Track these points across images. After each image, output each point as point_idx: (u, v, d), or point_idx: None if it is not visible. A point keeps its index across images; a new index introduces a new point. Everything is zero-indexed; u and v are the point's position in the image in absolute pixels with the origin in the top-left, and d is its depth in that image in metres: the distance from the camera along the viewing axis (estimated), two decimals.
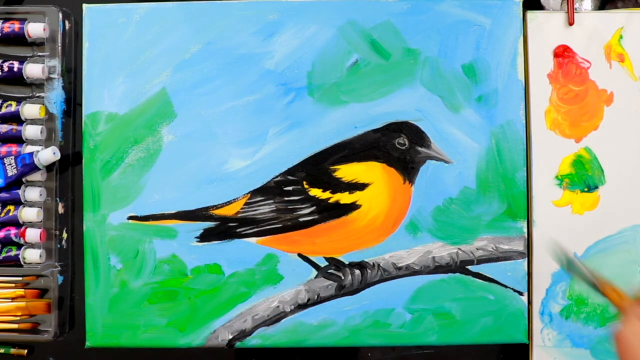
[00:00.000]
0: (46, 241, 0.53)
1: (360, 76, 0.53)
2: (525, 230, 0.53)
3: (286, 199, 0.53)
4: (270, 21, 0.53)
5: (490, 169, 0.53)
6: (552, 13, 0.54)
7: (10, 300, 0.53)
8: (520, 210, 0.53)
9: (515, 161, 0.53)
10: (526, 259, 0.53)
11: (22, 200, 0.53)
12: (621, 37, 0.54)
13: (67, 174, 0.55)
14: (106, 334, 0.53)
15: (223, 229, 0.53)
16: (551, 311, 0.53)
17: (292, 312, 0.53)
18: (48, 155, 0.52)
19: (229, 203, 0.53)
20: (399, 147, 0.53)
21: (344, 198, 0.52)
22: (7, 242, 0.53)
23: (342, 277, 0.53)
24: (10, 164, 0.52)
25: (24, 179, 0.53)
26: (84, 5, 0.54)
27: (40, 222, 0.54)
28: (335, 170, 0.53)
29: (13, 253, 0.53)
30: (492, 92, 0.53)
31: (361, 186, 0.53)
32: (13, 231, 0.53)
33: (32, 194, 0.53)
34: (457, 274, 0.53)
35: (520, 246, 0.53)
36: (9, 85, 0.54)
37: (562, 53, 0.54)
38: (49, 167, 0.54)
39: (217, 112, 0.53)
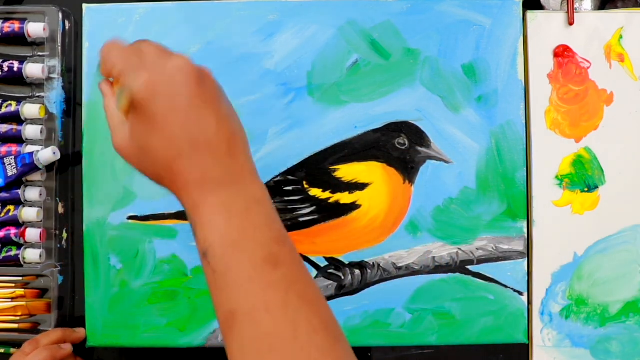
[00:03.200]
0: (46, 241, 0.54)
1: (360, 76, 0.53)
2: (525, 230, 0.53)
3: (286, 199, 0.53)
4: (270, 21, 0.53)
5: (490, 169, 0.53)
6: (552, 13, 0.54)
7: (10, 300, 0.53)
8: (520, 210, 0.53)
9: (515, 161, 0.53)
10: (526, 259, 0.53)
11: (22, 200, 0.53)
12: (621, 37, 0.54)
13: (67, 174, 0.55)
14: (106, 334, 0.53)
15: None
16: (551, 311, 0.53)
17: None
18: (48, 155, 0.52)
19: None
20: (399, 147, 0.53)
21: (344, 198, 0.52)
22: (7, 242, 0.53)
23: (342, 277, 0.53)
24: (10, 164, 0.52)
25: (24, 179, 0.53)
26: (84, 5, 0.54)
27: (40, 222, 0.54)
28: (335, 170, 0.53)
29: (13, 253, 0.53)
30: (492, 92, 0.53)
31: (361, 186, 0.53)
32: (13, 231, 0.53)
33: (32, 194, 0.53)
34: (457, 274, 0.53)
35: (520, 246, 0.53)
36: (9, 85, 0.54)
37: (562, 53, 0.54)
38: (49, 167, 0.54)
39: None
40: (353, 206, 0.52)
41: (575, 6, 0.54)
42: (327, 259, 0.53)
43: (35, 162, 0.52)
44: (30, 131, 0.53)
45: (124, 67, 0.35)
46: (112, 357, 0.56)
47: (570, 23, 0.54)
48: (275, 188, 0.53)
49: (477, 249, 0.53)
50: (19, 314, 0.52)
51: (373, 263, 0.53)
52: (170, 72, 0.34)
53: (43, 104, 0.54)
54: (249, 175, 0.35)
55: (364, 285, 0.53)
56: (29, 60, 0.54)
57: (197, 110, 0.34)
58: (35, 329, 0.53)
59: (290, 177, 0.53)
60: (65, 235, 0.55)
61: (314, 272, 0.53)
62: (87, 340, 0.53)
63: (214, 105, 0.35)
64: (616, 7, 0.56)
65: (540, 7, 0.55)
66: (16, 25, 0.53)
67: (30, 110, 0.53)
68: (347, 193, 0.52)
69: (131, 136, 0.35)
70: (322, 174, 0.53)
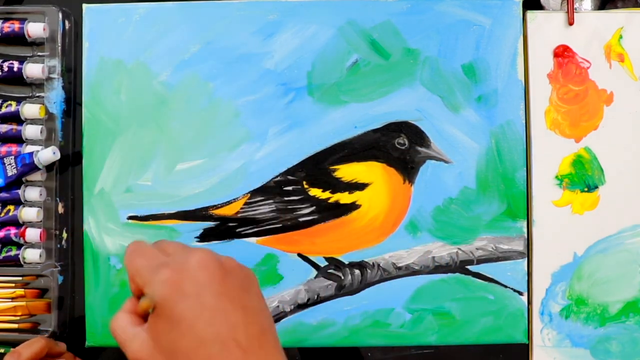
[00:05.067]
0: (46, 241, 0.54)
1: (360, 76, 0.53)
2: (525, 230, 0.53)
3: (286, 199, 0.53)
4: (270, 21, 0.53)
5: (490, 169, 0.53)
6: (552, 13, 0.54)
7: (10, 300, 0.53)
8: (520, 210, 0.53)
9: (515, 161, 0.53)
10: (526, 259, 0.53)
11: (22, 200, 0.53)
12: (621, 37, 0.54)
13: (67, 174, 0.55)
14: (106, 334, 0.53)
15: (223, 229, 0.53)
16: (551, 311, 0.53)
17: (291, 312, 0.53)
18: (48, 155, 0.52)
19: (228, 203, 0.53)
20: (399, 147, 0.53)
21: (344, 198, 0.52)
22: (7, 242, 0.53)
23: (342, 277, 0.53)
24: (10, 164, 0.52)
25: (24, 179, 0.53)
26: (84, 5, 0.54)
27: (40, 222, 0.54)
28: (335, 170, 0.53)
29: (13, 253, 0.53)
30: (492, 92, 0.53)
31: (361, 186, 0.53)
32: (13, 231, 0.53)
33: (32, 193, 0.53)
34: (457, 274, 0.53)
35: (520, 246, 0.53)
36: (9, 85, 0.54)
37: (562, 53, 0.54)
38: (49, 167, 0.54)
39: (216, 112, 0.53)
40: (353, 206, 0.52)
41: (575, 6, 0.54)
42: (327, 259, 0.53)
43: (35, 162, 0.52)
44: (30, 131, 0.53)
45: (148, 273, 0.34)
46: (112, 357, 0.56)
47: (570, 23, 0.54)
48: (275, 188, 0.53)
49: (477, 249, 0.53)
50: (19, 314, 0.52)
51: (373, 263, 0.53)
52: (194, 268, 0.33)
53: (43, 104, 0.54)
54: None
55: (364, 285, 0.53)
56: (29, 60, 0.54)
57: (223, 307, 0.33)
58: (35, 329, 0.53)
59: (290, 177, 0.53)
60: (65, 235, 0.55)
61: (314, 273, 0.53)
62: (86, 340, 0.53)
63: (242, 301, 0.34)
64: (616, 7, 0.56)
65: (540, 7, 0.55)
66: (16, 25, 0.53)
67: (30, 110, 0.53)
68: (347, 193, 0.52)
69: (155, 341, 0.33)
70: (322, 174, 0.53)
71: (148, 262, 0.35)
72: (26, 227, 0.53)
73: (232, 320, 0.33)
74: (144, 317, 0.36)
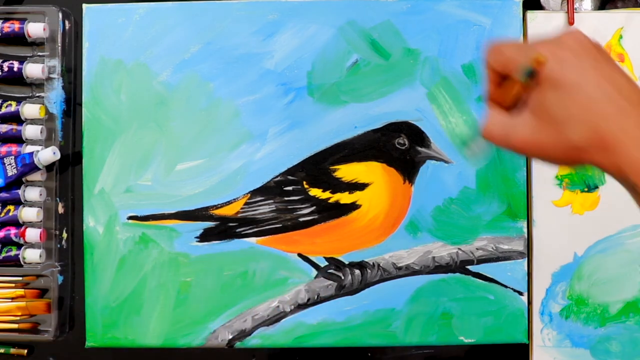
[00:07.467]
0: (46, 241, 0.53)
1: (360, 76, 0.53)
2: (525, 230, 0.53)
3: (286, 198, 0.53)
4: (270, 21, 0.53)
5: (490, 169, 0.53)
6: (552, 13, 0.54)
7: (10, 300, 0.53)
8: (520, 210, 0.53)
9: (515, 161, 0.53)
10: (526, 259, 0.53)
11: (22, 200, 0.53)
12: (621, 37, 0.54)
13: (67, 174, 0.55)
14: (106, 334, 0.53)
15: (223, 228, 0.53)
16: (551, 311, 0.53)
17: (292, 312, 0.53)
18: (48, 155, 0.52)
19: (228, 203, 0.53)
20: (399, 147, 0.53)
21: (344, 198, 0.52)
22: (7, 242, 0.53)
23: (342, 277, 0.53)
24: (10, 164, 0.52)
25: (24, 179, 0.53)
26: (84, 5, 0.54)
27: (40, 222, 0.54)
28: (335, 170, 0.53)
29: (13, 253, 0.53)
30: None
31: (361, 186, 0.53)
32: (13, 231, 0.53)
33: (32, 193, 0.53)
34: (457, 274, 0.53)
35: (520, 246, 0.53)
36: (9, 85, 0.54)
37: None
38: (49, 167, 0.54)
39: (216, 112, 0.53)
40: (353, 206, 0.52)
41: (575, 6, 0.54)
42: (327, 259, 0.53)
43: (35, 162, 0.52)
44: (30, 131, 0.53)
45: (519, 55, 0.35)
46: (112, 357, 0.56)
47: (570, 23, 0.54)
48: (275, 188, 0.53)
49: (477, 249, 0.53)
50: (19, 314, 0.52)
51: (373, 263, 0.53)
52: (569, 41, 0.35)
53: (43, 104, 0.54)
54: None
55: (364, 285, 0.53)
56: (29, 60, 0.54)
57: (606, 73, 0.34)
58: (35, 329, 0.53)
59: (290, 177, 0.53)
60: (65, 235, 0.55)
61: (314, 272, 0.53)
62: (86, 340, 0.53)
63: (617, 69, 0.35)
64: (616, 7, 0.56)
65: (540, 7, 0.55)
66: (16, 25, 0.53)
67: (30, 110, 0.53)
68: (347, 193, 0.52)
69: (539, 117, 0.35)
70: (322, 174, 0.53)
71: (516, 49, 0.36)
72: (26, 227, 0.53)
73: (617, 83, 0.34)
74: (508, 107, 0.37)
